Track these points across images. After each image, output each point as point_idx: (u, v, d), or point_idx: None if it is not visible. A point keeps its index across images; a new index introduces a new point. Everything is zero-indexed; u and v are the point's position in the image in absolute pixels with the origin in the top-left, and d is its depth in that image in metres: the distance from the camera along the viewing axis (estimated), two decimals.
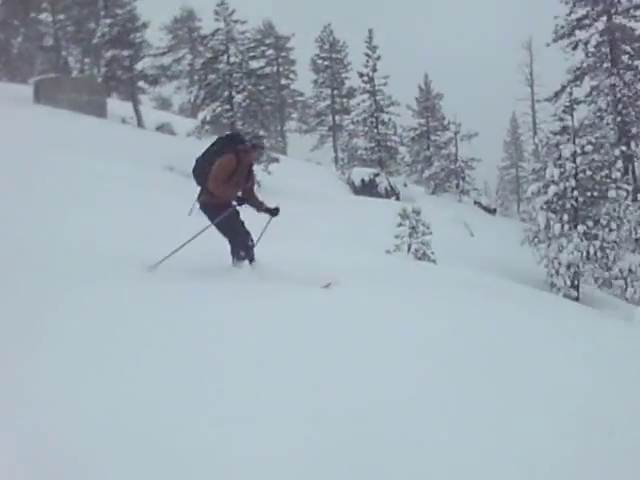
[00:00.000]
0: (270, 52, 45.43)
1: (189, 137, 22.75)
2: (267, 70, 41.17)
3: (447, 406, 3.40)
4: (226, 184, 5.95)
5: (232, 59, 22.35)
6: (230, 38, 22.65)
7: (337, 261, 7.92)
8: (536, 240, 19.50)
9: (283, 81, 46.74)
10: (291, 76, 47.34)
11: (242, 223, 6.10)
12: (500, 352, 4.51)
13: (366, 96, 36.11)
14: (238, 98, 22.00)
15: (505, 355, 4.47)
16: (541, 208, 19.24)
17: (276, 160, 21.83)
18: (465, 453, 2.95)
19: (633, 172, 25.99)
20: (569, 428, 3.40)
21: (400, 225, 15.92)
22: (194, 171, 6.17)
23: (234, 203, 6.05)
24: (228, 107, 22.08)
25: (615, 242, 19.09)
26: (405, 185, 31.21)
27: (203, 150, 6.24)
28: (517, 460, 2.97)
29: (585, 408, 3.74)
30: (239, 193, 6.20)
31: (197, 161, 6.17)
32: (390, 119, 35.24)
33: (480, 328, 5.14)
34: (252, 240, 6.10)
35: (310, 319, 4.68)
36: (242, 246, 6.00)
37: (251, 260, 6.02)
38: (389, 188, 28.39)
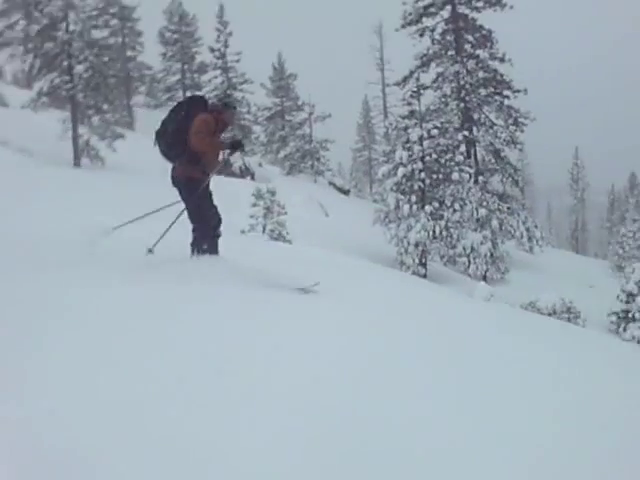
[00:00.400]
0: (114, 22, 42.73)
1: (24, 109, 20.76)
2: (111, 41, 38.79)
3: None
4: (213, 137, 5.33)
5: (72, 27, 20.68)
6: (69, 4, 20.85)
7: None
8: (387, 220, 20.24)
9: (129, 53, 44.18)
10: (138, 48, 44.86)
11: (215, 206, 5.47)
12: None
13: (218, 72, 35.25)
14: (79, 69, 20.49)
15: None
16: (391, 189, 19.96)
17: (121, 136, 20.64)
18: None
19: (475, 156, 27.80)
20: None
21: (255, 205, 15.74)
22: (163, 142, 5.40)
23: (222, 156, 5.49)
24: (67, 78, 20.50)
25: (458, 222, 20.35)
26: (260, 165, 31.00)
27: (165, 118, 5.49)
28: None
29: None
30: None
31: (162, 131, 5.42)
32: (244, 97, 34.78)
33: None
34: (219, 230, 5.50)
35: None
36: (208, 237, 5.38)
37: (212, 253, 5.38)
38: (244, 168, 28.06)
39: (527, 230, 26.50)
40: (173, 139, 5.33)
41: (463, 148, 22.53)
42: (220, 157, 5.64)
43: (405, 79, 29.97)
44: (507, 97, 28.43)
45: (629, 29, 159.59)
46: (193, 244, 5.44)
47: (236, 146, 5.68)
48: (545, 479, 3.01)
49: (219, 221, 5.52)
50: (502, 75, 28.37)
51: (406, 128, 20.46)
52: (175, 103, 5.98)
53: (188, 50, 41.33)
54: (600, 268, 35.36)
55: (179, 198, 5.49)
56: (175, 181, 5.46)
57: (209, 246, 5.40)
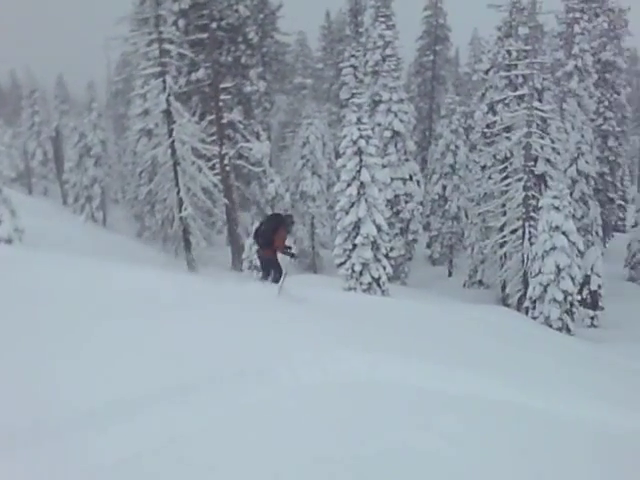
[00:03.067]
0: None
1: None
2: None
3: None
4: (283, 242, 10.00)
5: None
6: None
7: None
8: None
9: None
10: None
11: (281, 266, 10.05)
12: None
13: None
14: None
15: None
16: None
17: None
18: None
19: None
20: None
21: None
22: (260, 237, 10.01)
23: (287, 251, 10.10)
24: None
25: None
26: None
27: (262, 226, 10.15)
28: None
29: None
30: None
31: (260, 232, 10.03)
32: None
33: None
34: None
35: None
36: (277, 276, 9.85)
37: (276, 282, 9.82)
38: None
39: None
40: (264, 238, 9.92)
41: None
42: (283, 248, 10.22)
43: None
44: None
45: None
46: (273, 280, 9.91)
47: (286, 252, 10.07)
48: None
49: (282, 272, 9.91)
50: None
51: None
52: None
53: None
54: None
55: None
56: (262, 258, 10.27)
57: (277, 280, 9.85)
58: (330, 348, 6.52)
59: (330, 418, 4.68)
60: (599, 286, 25.50)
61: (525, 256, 23.79)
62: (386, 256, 22.87)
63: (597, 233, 30.74)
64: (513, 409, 5.67)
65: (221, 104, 28.49)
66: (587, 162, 29.74)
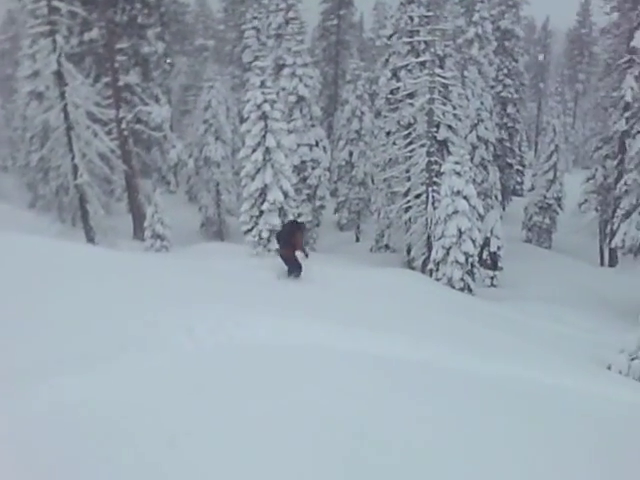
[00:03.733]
0: None
1: None
2: None
3: None
4: (300, 243, 12.39)
5: None
6: None
7: None
8: None
9: None
10: None
11: (299, 263, 12.38)
12: None
13: None
14: None
15: None
16: None
17: None
18: None
19: None
20: None
21: None
22: (282, 240, 12.42)
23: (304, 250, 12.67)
24: None
25: None
26: None
27: (283, 230, 12.86)
28: None
29: None
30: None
31: (281, 237, 12.58)
32: None
33: None
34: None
35: None
36: (297, 271, 12.23)
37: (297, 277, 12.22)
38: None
39: None
40: (285, 241, 12.29)
41: None
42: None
43: None
44: None
45: None
46: (289, 273, 12.22)
47: (302, 251, 12.49)
48: None
49: (300, 268, 12.29)
50: None
51: None
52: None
53: None
54: None
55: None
56: (283, 256, 12.35)
57: (294, 275, 12.16)
58: (233, 314, 6.52)
59: (231, 379, 4.70)
60: (498, 247, 26.82)
61: (428, 220, 24.55)
62: None
63: (496, 197, 32.13)
64: (396, 362, 5.92)
65: (117, 66, 27.31)
66: (487, 128, 30.85)
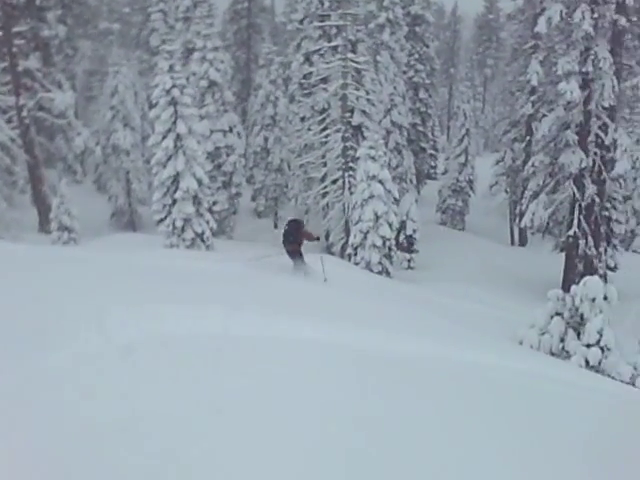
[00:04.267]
0: None
1: None
2: None
3: None
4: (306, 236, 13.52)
5: None
6: None
7: None
8: None
9: None
10: None
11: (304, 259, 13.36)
12: None
13: None
14: None
15: None
16: None
17: None
18: None
19: None
20: None
21: None
22: (289, 236, 13.10)
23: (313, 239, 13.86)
24: None
25: None
26: None
27: (289, 228, 13.29)
28: None
29: None
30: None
31: (287, 233, 13.17)
32: None
33: None
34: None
35: None
36: (302, 269, 13.10)
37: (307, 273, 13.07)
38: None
39: None
40: (292, 237, 13.07)
41: None
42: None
43: None
44: None
45: None
46: (294, 269, 13.05)
47: (313, 239, 13.77)
48: None
49: (304, 260, 13.22)
50: None
51: None
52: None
53: None
54: None
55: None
56: (290, 251, 13.08)
57: (298, 272, 13.01)
58: (146, 305, 6.31)
59: (144, 372, 4.53)
60: (414, 230, 27.47)
61: (346, 205, 24.80)
62: (209, 210, 22.60)
63: (411, 181, 32.89)
64: (318, 345, 5.94)
65: (15, 50, 25.91)
66: (400, 113, 31.42)
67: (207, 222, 21.48)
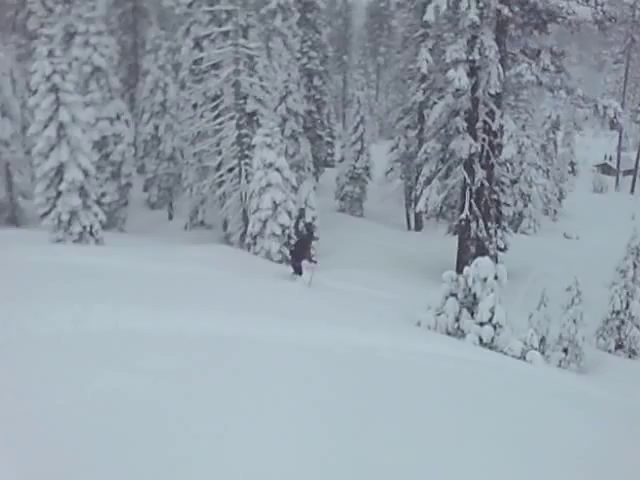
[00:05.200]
0: None
1: None
2: None
3: None
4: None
5: None
6: None
7: None
8: None
9: None
10: None
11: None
12: None
13: None
14: None
15: None
16: None
17: None
18: None
19: None
20: None
21: None
22: (295, 254, 16.11)
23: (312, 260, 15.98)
24: None
25: None
26: None
27: (297, 247, 16.31)
28: None
29: None
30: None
31: (296, 252, 16.10)
32: None
33: None
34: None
35: None
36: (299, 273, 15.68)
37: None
38: None
39: None
40: (299, 253, 15.93)
41: None
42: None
43: None
44: None
45: None
46: (294, 273, 15.89)
47: (312, 261, 15.83)
48: None
49: (301, 272, 15.65)
50: None
51: None
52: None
53: None
54: None
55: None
56: (295, 265, 15.98)
57: (297, 274, 15.71)
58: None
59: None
60: (313, 218, 27.63)
61: (243, 194, 24.58)
62: (98, 202, 21.71)
63: (309, 168, 33.07)
64: (213, 337, 5.87)
65: None
66: (295, 100, 31.45)
67: (96, 215, 20.62)
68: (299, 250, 15.99)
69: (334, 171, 40.65)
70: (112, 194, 28.13)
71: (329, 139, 45.92)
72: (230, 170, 25.82)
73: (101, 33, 28.28)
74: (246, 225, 23.82)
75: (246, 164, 24.85)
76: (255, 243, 21.56)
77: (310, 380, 5.13)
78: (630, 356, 19.67)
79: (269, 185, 21.13)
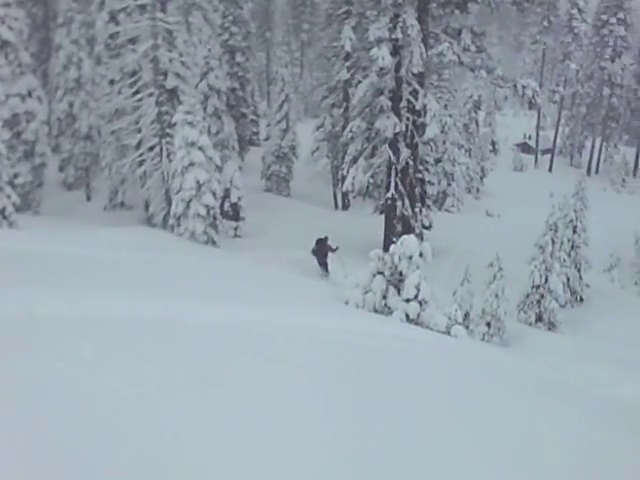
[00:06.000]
0: None
1: None
2: None
3: None
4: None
5: None
6: None
7: None
8: None
9: None
10: None
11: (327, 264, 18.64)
12: None
13: None
14: None
15: None
16: None
17: None
18: None
19: None
20: None
21: None
22: (319, 253, 18.54)
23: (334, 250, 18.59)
24: None
25: None
26: None
27: (317, 247, 18.59)
28: None
29: None
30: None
31: (316, 250, 18.54)
32: None
33: None
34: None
35: None
36: (326, 271, 18.46)
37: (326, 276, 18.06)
38: None
39: None
40: (320, 252, 18.61)
41: None
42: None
43: None
44: None
45: None
46: (324, 270, 18.52)
47: (334, 251, 18.59)
48: None
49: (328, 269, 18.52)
50: None
51: None
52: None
53: None
54: None
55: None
56: (321, 263, 18.56)
57: (325, 271, 18.43)
58: None
59: None
60: (239, 198, 27.39)
61: (165, 173, 24.03)
62: (10, 184, 20.71)
63: (233, 147, 32.63)
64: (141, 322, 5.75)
65: None
66: (217, 77, 30.89)
67: (8, 197, 19.66)
68: (320, 249, 18.37)
69: (260, 150, 40.32)
70: (25, 175, 26.90)
71: (253, 117, 45.46)
72: (151, 149, 25.16)
73: (9, 5, 26.76)
74: (169, 206, 23.30)
75: (167, 142, 24.28)
76: (179, 224, 21.17)
77: (230, 365, 5.11)
78: (549, 328, 20.62)
79: (192, 164, 20.75)
